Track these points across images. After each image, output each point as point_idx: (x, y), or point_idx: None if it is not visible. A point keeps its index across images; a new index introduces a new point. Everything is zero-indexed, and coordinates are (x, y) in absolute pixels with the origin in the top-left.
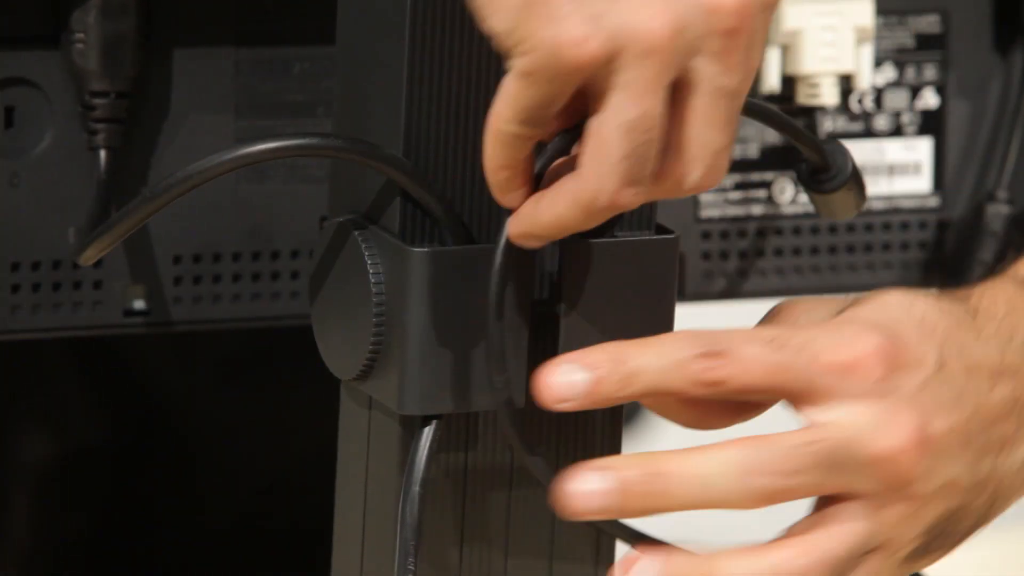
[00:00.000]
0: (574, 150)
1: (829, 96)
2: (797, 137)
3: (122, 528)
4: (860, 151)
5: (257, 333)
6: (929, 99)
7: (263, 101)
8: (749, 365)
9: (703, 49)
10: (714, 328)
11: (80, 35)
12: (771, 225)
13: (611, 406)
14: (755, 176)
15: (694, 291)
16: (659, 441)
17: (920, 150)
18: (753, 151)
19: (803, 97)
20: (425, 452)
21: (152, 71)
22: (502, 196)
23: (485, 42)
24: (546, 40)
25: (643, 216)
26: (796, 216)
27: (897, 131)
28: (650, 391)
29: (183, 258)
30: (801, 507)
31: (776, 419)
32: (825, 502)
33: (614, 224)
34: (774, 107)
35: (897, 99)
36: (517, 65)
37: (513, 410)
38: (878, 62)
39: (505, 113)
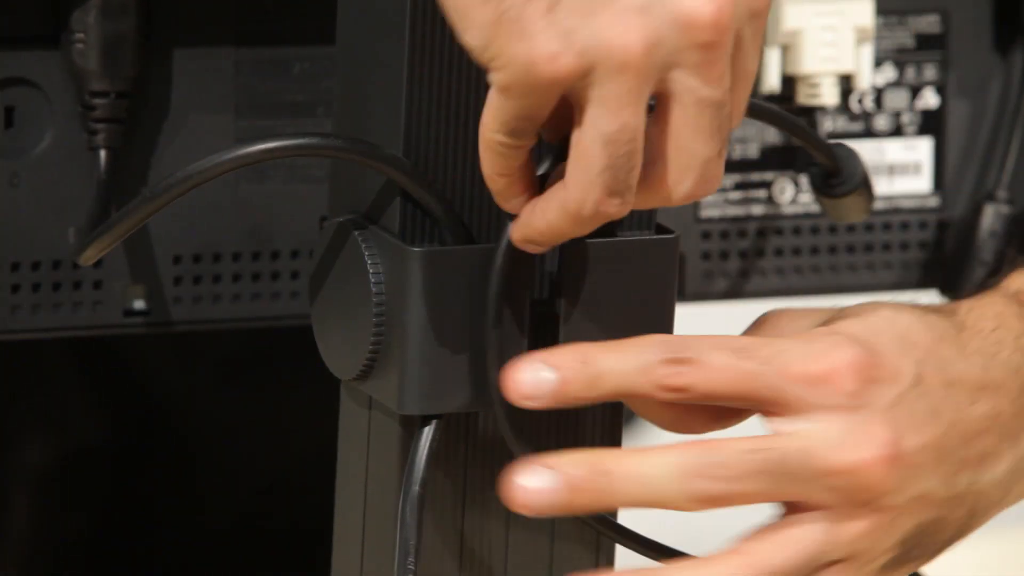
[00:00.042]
0: None
1: (829, 96)
2: (809, 141)
3: (122, 528)
4: (860, 151)
5: (257, 333)
6: (929, 99)
7: (263, 101)
8: (715, 373)
9: (681, 62)
10: (714, 327)
11: (80, 35)
12: (771, 225)
13: (580, 406)
14: (755, 176)
15: (694, 291)
16: (658, 442)
17: (920, 150)
18: (753, 151)
19: (803, 97)
20: (425, 452)
21: (152, 71)
22: (503, 202)
23: None
24: (519, 56)
25: (643, 216)
26: (796, 216)
27: (897, 131)
28: (616, 393)
29: (183, 258)
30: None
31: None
32: (789, 509)
33: (615, 224)
34: (786, 111)
35: (897, 99)
36: (494, 80)
37: (511, 410)
38: (878, 62)
39: (491, 124)
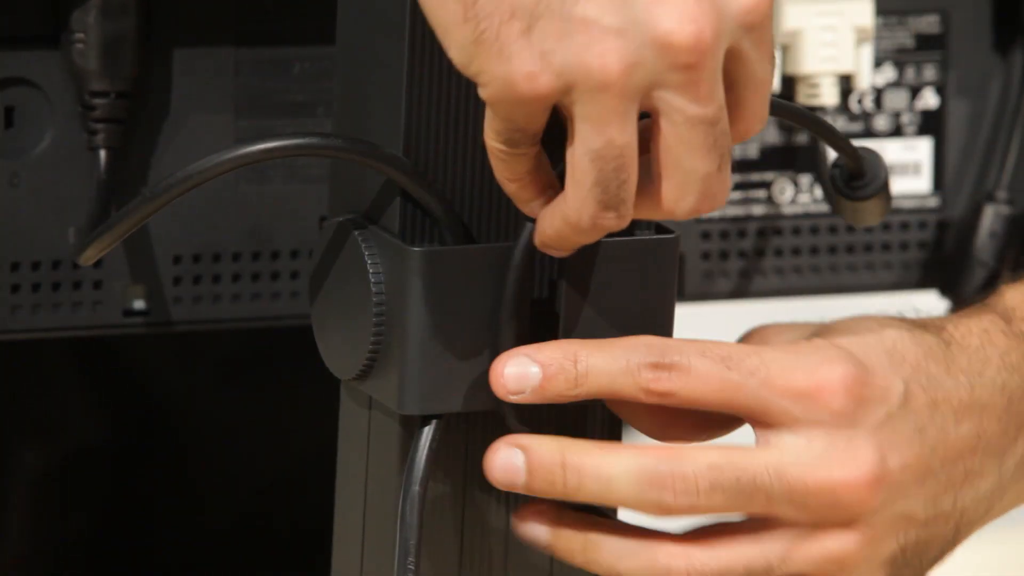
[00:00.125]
0: None
1: (829, 96)
2: (836, 143)
3: (122, 528)
4: None
5: (257, 333)
6: (929, 99)
7: (263, 101)
8: (698, 381)
9: (665, 83)
10: (714, 327)
11: (80, 35)
12: (771, 225)
13: (563, 403)
14: (755, 176)
15: (694, 291)
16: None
17: (920, 150)
18: (753, 151)
19: (803, 97)
20: (425, 452)
21: (152, 71)
22: (520, 206)
23: None
24: (499, 75)
25: None
26: (796, 216)
27: (897, 131)
28: (600, 393)
29: (183, 258)
30: None
31: None
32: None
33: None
34: (814, 113)
35: (897, 99)
36: (481, 94)
37: (518, 407)
38: (878, 62)
39: (489, 133)
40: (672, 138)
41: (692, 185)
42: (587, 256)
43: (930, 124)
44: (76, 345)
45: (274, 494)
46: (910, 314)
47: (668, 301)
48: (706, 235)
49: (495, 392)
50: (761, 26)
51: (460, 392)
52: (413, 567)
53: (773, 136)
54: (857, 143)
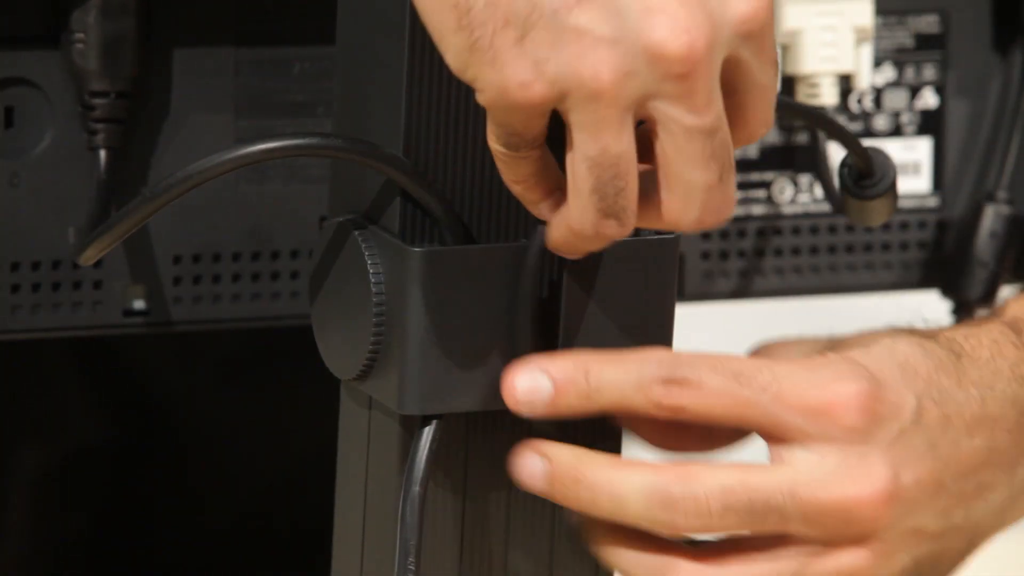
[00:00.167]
0: None
1: (828, 96)
2: (845, 142)
3: (122, 528)
4: None
5: (257, 333)
6: (928, 99)
7: (263, 101)
8: (709, 396)
9: (660, 93)
10: (714, 327)
11: (80, 35)
12: (771, 225)
13: (574, 418)
14: (755, 176)
15: (694, 291)
16: None
17: (919, 150)
18: (753, 151)
19: (802, 97)
20: (425, 452)
21: (152, 71)
22: (528, 207)
23: None
24: (493, 83)
25: None
26: (796, 216)
27: (896, 131)
28: (612, 407)
29: (183, 258)
30: None
31: None
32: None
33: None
34: (824, 111)
35: (896, 99)
36: (478, 99)
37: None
38: (877, 62)
39: (490, 136)
40: (670, 149)
41: (694, 197)
42: (588, 256)
43: (930, 124)
44: (76, 345)
45: (274, 494)
46: (918, 323)
47: (668, 301)
48: (706, 235)
49: (507, 404)
50: (760, 33)
51: (460, 392)
52: (413, 567)
53: (773, 136)
54: None
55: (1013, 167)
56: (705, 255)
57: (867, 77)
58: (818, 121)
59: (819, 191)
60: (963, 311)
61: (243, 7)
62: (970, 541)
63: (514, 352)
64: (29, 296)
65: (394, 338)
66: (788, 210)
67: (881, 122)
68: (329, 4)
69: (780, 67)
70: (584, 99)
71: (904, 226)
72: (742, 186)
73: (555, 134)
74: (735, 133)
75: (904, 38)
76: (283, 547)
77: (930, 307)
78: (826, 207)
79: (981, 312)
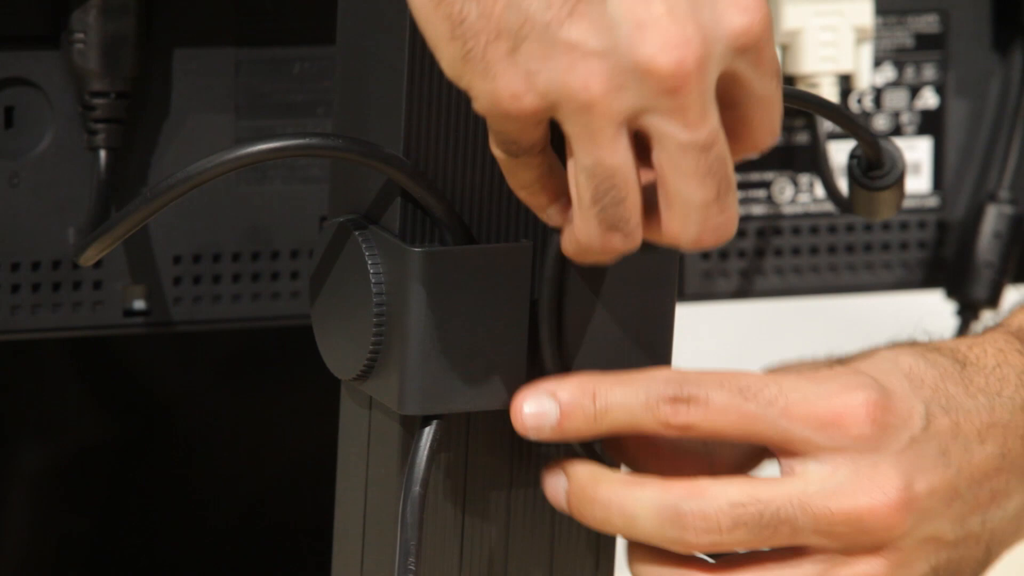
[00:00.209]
0: None
1: (829, 96)
2: (856, 132)
3: (122, 528)
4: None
5: (257, 333)
6: (928, 99)
7: (263, 101)
8: (718, 413)
9: (654, 108)
10: (714, 327)
11: (80, 35)
12: (771, 225)
13: (582, 441)
14: (755, 176)
15: (694, 291)
16: None
17: (919, 150)
18: None
19: None
20: (425, 452)
21: (152, 71)
22: (537, 213)
23: None
24: (485, 92)
25: None
26: (796, 216)
27: (896, 131)
28: (620, 429)
29: (183, 258)
30: None
31: None
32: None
33: None
34: (834, 102)
35: (896, 99)
36: (473, 106)
37: None
38: (877, 62)
39: (491, 142)
40: (666, 164)
41: (692, 215)
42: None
43: (930, 124)
44: (76, 345)
45: (274, 494)
46: (920, 336)
47: (668, 301)
48: None
49: (515, 428)
50: (756, 47)
51: (460, 392)
52: (413, 567)
53: None
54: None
55: (1015, 167)
56: (705, 255)
57: (867, 77)
58: (828, 111)
59: (820, 191)
60: (968, 312)
61: (243, 7)
62: (988, 549)
63: (537, 365)
64: (29, 296)
65: (394, 338)
66: (788, 210)
67: (881, 122)
68: (329, 4)
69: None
70: (575, 110)
71: (904, 226)
72: (742, 186)
73: (563, 141)
74: (739, 145)
75: (904, 38)
76: (283, 547)
77: (932, 308)
78: (827, 207)
79: (986, 318)
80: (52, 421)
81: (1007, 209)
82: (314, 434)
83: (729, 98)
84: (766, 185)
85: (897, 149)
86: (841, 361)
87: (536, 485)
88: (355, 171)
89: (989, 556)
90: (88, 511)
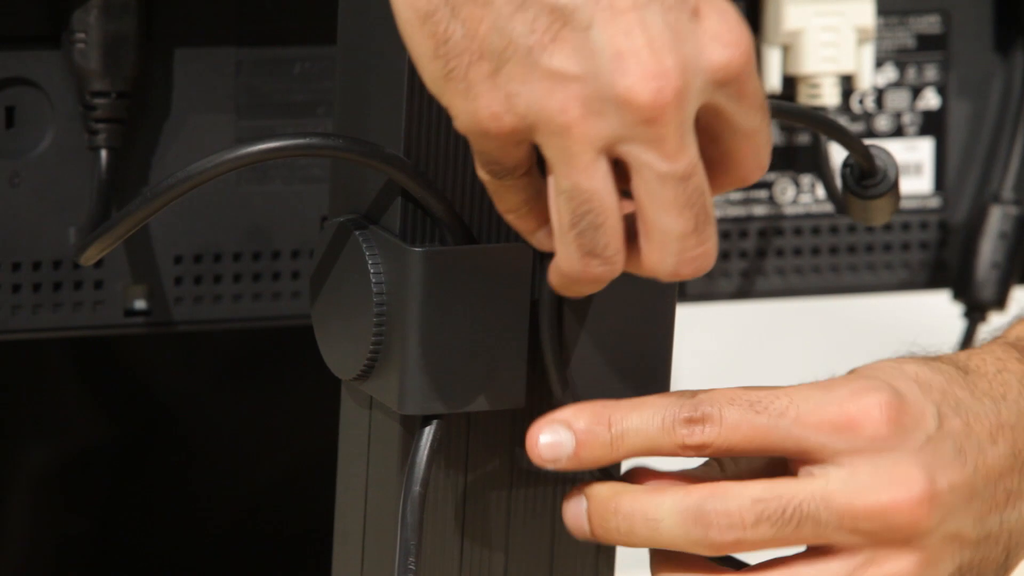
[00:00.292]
0: None
1: (830, 96)
2: (847, 143)
3: (123, 528)
4: None
5: (258, 333)
6: (930, 99)
7: (264, 101)
8: (731, 429)
9: (633, 137)
10: (715, 327)
11: (81, 35)
12: (772, 226)
13: (600, 468)
14: None
15: (695, 291)
16: None
17: (921, 151)
18: None
19: (804, 97)
20: (426, 452)
21: (153, 71)
22: (527, 238)
23: None
24: (465, 111)
25: None
26: (797, 217)
27: (898, 132)
28: (637, 454)
29: (184, 258)
30: None
31: None
32: (812, 549)
33: None
34: (824, 112)
35: (898, 99)
36: (454, 124)
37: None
38: (879, 62)
39: (475, 165)
40: (644, 194)
41: (669, 246)
42: None
43: (931, 124)
44: (77, 345)
45: (274, 494)
46: (917, 351)
47: (669, 301)
48: None
49: (531, 459)
50: (737, 80)
51: (460, 392)
52: (413, 567)
53: (774, 136)
54: None
55: (1018, 167)
56: None
57: (869, 77)
58: (818, 123)
59: (821, 191)
60: (976, 313)
61: (243, 7)
62: (1007, 552)
63: (537, 365)
64: (30, 296)
65: (394, 338)
66: (790, 211)
67: (883, 123)
68: (329, 4)
69: (781, 73)
70: (552, 133)
71: (906, 227)
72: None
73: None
74: (724, 178)
75: (905, 38)
76: (283, 547)
77: (938, 310)
78: (828, 207)
79: (994, 319)
80: (53, 421)
81: (1012, 210)
82: (314, 434)
83: (712, 131)
84: (768, 185)
85: (890, 157)
86: (849, 372)
87: (536, 485)
88: (355, 171)
89: (1009, 560)
90: (89, 511)
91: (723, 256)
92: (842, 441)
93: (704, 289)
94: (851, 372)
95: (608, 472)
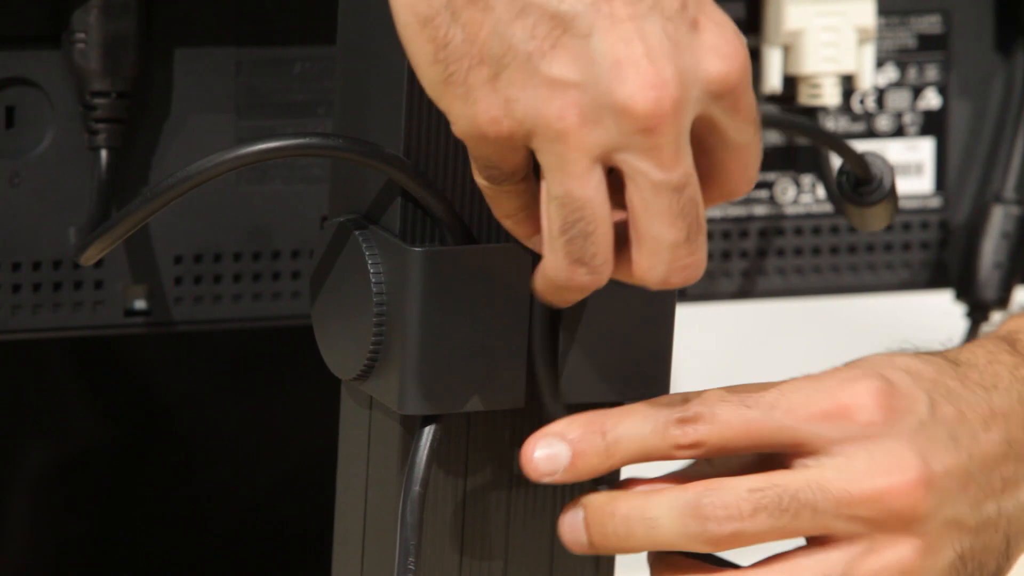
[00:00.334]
0: None
1: (831, 96)
2: (842, 152)
3: (123, 528)
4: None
5: (258, 333)
6: (931, 99)
7: (264, 101)
8: (723, 426)
9: (628, 146)
10: (715, 327)
11: (81, 35)
12: (773, 226)
13: (596, 477)
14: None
15: (696, 291)
16: None
17: (922, 151)
18: None
19: (805, 97)
20: (425, 452)
21: (153, 71)
22: (524, 243)
23: None
24: (464, 115)
25: None
26: (798, 217)
27: (899, 132)
28: (633, 459)
29: (184, 258)
30: None
31: None
32: (811, 541)
33: None
34: (815, 123)
35: (899, 99)
36: (452, 129)
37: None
38: (880, 62)
39: (473, 170)
40: (637, 203)
41: (660, 254)
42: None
43: (932, 124)
44: (77, 345)
45: (275, 494)
46: (908, 348)
47: (668, 302)
48: (708, 235)
49: (527, 475)
50: (732, 93)
51: (460, 392)
52: (413, 567)
53: (775, 136)
54: (859, 144)
55: (1019, 167)
56: (707, 255)
57: (869, 77)
58: (812, 133)
59: (821, 191)
60: (978, 313)
61: (243, 7)
62: (1007, 540)
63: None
64: (30, 296)
65: (394, 338)
66: (790, 210)
67: (883, 123)
68: (329, 4)
69: (781, 73)
70: (549, 140)
71: (907, 227)
72: None
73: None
74: (714, 191)
75: (906, 38)
76: (284, 547)
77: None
78: (828, 207)
79: (996, 319)
80: (53, 421)
81: (1014, 210)
82: (314, 434)
83: (704, 143)
84: (768, 185)
85: (885, 163)
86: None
87: (536, 485)
88: (355, 171)
89: (1009, 549)
90: (89, 511)
91: (724, 256)
92: (835, 429)
93: (704, 289)
94: (841, 365)
95: (606, 481)
